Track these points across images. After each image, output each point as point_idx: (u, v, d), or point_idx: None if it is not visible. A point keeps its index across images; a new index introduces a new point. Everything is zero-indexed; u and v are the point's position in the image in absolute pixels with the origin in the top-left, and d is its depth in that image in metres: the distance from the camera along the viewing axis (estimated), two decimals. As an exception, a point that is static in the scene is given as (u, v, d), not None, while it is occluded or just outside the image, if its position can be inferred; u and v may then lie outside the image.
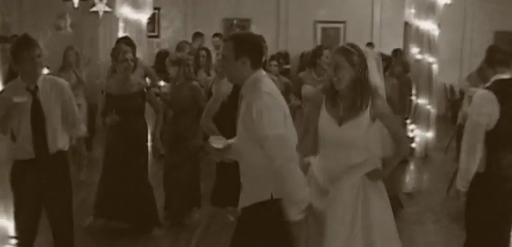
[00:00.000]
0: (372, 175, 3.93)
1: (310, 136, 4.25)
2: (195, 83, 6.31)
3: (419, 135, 10.23)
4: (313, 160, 4.07)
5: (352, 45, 3.92)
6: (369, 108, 3.83)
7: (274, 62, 7.89)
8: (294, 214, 3.45)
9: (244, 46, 3.53)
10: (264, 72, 3.62)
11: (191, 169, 6.36)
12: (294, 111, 6.36)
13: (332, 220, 3.82)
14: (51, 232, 4.71)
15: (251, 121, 3.39)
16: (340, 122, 3.88)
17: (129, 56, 5.98)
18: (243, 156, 3.59)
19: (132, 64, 6.07)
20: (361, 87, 3.82)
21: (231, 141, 3.71)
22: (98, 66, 13.24)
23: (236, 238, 3.71)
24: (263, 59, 3.77)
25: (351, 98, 3.85)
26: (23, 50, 4.33)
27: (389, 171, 4.04)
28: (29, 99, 4.35)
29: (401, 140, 4.04)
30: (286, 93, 7.43)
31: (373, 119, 3.86)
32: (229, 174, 4.31)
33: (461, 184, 4.46)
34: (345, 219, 3.82)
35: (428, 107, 10.22)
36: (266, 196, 3.51)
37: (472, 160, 4.36)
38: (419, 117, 10.23)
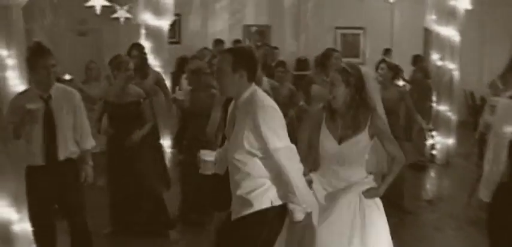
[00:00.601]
0: (368, 194, 4.01)
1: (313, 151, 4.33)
2: (214, 90, 6.35)
3: (441, 141, 10.17)
4: (315, 177, 4.12)
5: (351, 66, 4.03)
6: (367, 126, 3.95)
7: (281, 69, 8.05)
8: (301, 215, 3.59)
9: (243, 59, 3.58)
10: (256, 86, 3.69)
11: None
12: (301, 115, 6.41)
13: (330, 236, 3.90)
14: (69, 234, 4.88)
15: (259, 135, 3.45)
16: (340, 140, 3.99)
17: (131, 66, 6.06)
18: (239, 167, 3.60)
19: (133, 75, 6.12)
20: (358, 106, 3.94)
21: (217, 152, 3.86)
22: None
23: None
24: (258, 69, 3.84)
25: (349, 116, 3.97)
26: (37, 59, 4.46)
27: (385, 188, 4.09)
28: (41, 106, 4.46)
29: (397, 158, 4.10)
30: (290, 97, 7.51)
31: (371, 137, 3.99)
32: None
33: (484, 194, 4.43)
34: (342, 235, 3.91)
35: (449, 113, 10.16)
36: (266, 204, 3.58)
37: (495, 169, 4.34)
38: (440, 123, 10.16)
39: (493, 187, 4.37)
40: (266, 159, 3.53)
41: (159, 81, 7.97)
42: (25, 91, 4.69)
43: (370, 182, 4.09)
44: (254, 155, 3.53)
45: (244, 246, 3.67)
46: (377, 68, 7.32)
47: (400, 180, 6.97)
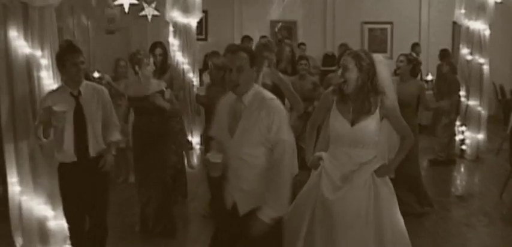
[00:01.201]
0: (379, 172, 4.17)
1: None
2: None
3: (470, 137, 10.06)
4: (325, 155, 4.28)
5: (364, 52, 4.18)
6: (378, 108, 4.11)
7: (304, 62, 8.14)
8: (267, 218, 3.65)
9: (255, 57, 3.85)
10: None
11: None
12: None
13: (346, 214, 4.05)
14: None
15: (270, 126, 3.67)
16: (352, 122, 4.13)
17: (151, 61, 6.15)
18: (249, 161, 3.75)
19: (152, 70, 6.18)
20: (369, 90, 4.08)
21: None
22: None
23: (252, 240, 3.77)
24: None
25: (360, 99, 4.10)
26: (67, 56, 4.56)
27: (395, 166, 4.29)
28: (70, 105, 4.55)
29: (406, 135, 4.28)
30: (313, 91, 7.51)
31: (381, 118, 4.16)
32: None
33: None
34: (358, 212, 4.06)
35: (479, 108, 10.04)
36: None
37: None
38: (470, 118, 10.05)
39: None
40: (270, 152, 3.72)
41: (174, 78, 8.06)
42: (56, 89, 4.79)
43: (379, 161, 4.22)
44: (265, 147, 3.71)
45: (266, 240, 3.73)
46: (397, 60, 7.27)
47: (416, 173, 6.96)
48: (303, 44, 12.87)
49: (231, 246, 4.00)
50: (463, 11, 9.82)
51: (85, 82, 4.74)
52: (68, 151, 4.62)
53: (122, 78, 8.30)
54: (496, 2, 9.81)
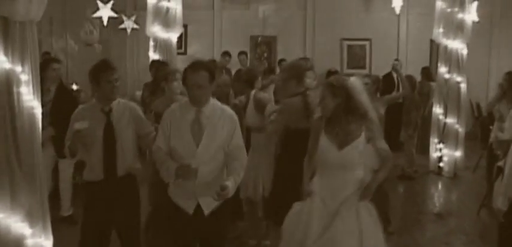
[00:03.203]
0: (361, 195, 4.30)
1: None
2: (235, 101, 6.51)
3: (448, 154, 10.16)
4: (314, 184, 4.44)
5: (338, 80, 4.40)
6: (363, 132, 4.27)
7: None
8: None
9: (212, 73, 4.18)
10: None
11: None
12: None
13: (342, 234, 4.17)
14: None
15: (232, 134, 4.21)
16: (340, 146, 4.28)
17: (179, 76, 6.12)
18: (213, 165, 4.17)
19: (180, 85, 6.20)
20: (349, 113, 4.26)
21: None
22: (126, 83, 13.40)
23: (218, 236, 4.34)
24: None
25: (344, 123, 4.27)
26: (102, 73, 4.55)
27: (375, 187, 4.37)
28: (100, 122, 4.54)
29: (386, 157, 4.41)
30: None
31: (367, 140, 4.32)
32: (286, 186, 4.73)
33: (503, 203, 4.56)
34: (353, 233, 4.19)
35: (457, 126, 10.15)
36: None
37: None
38: (448, 136, 10.16)
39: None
40: (226, 154, 4.23)
41: None
42: (87, 105, 4.77)
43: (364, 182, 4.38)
44: (224, 150, 4.21)
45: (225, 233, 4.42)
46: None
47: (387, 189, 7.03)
48: (284, 60, 12.86)
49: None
50: (441, 30, 9.94)
51: (117, 99, 4.69)
52: (96, 169, 4.57)
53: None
54: (473, 22, 9.96)
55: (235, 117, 4.30)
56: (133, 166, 4.76)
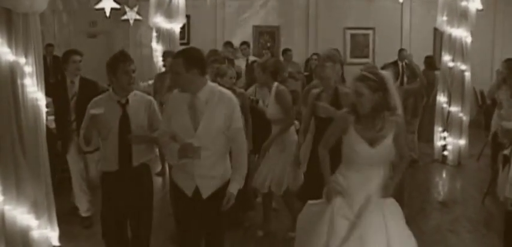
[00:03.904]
0: (384, 193, 4.20)
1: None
2: (240, 90, 6.54)
3: (452, 142, 10.15)
4: (341, 178, 4.29)
5: (373, 72, 4.15)
6: (393, 128, 4.13)
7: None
8: (236, 190, 4.22)
9: (190, 61, 4.11)
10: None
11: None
12: None
13: (370, 233, 4.06)
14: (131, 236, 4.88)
15: (231, 117, 4.20)
16: (372, 143, 4.12)
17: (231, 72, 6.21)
18: (213, 149, 4.18)
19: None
20: (383, 109, 4.09)
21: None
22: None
23: (217, 219, 4.34)
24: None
25: (376, 120, 4.11)
26: (120, 64, 4.55)
27: (395, 184, 4.29)
28: (116, 114, 4.55)
29: (405, 154, 4.35)
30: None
31: (395, 136, 4.18)
32: (318, 171, 4.53)
33: (511, 191, 4.55)
34: (381, 230, 4.09)
35: (461, 114, 10.12)
36: (228, 176, 4.29)
37: None
38: (452, 124, 10.13)
39: None
40: (226, 138, 4.25)
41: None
42: (102, 96, 4.76)
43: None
44: (224, 134, 4.21)
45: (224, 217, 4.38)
46: None
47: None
48: (288, 49, 12.81)
49: (196, 229, 4.39)
50: (445, 18, 9.89)
51: (134, 91, 4.71)
52: (111, 160, 4.60)
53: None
54: (477, 10, 9.91)
55: (234, 99, 4.30)
56: (148, 156, 4.80)
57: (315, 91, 5.64)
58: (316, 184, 4.76)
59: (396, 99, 4.17)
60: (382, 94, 4.04)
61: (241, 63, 11.02)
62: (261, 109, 6.37)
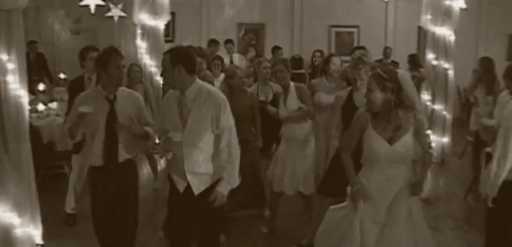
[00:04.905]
0: (412, 191, 4.26)
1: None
2: (250, 90, 6.71)
3: (436, 140, 10.21)
4: (364, 180, 4.29)
5: (387, 71, 4.17)
6: (412, 125, 4.13)
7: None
8: (227, 190, 4.30)
9: (176, 58, 4.19)
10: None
11: (254, 169, 6.59)
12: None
13: (400, 235, 4.15)
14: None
15: (218, 116, 4.22)
16: (391, 141, 4.13)
17: (205, 66, 6.18)
18: (201, 147, 4.27)
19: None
20: (397, 107, 4.09)
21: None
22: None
23: (209, 217, 4.37)
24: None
25: (392, 118, 4.12)
26: (111, 58, 4.59)
27: (423, 182, 4.37)
28: (104, 110, 4.58)
29: (427, 150, 4.35)
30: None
31: (414, 132, 4.16)
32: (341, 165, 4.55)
33: (492, 189, 4.58)
34: (409, 231, 4.19)
35: (444, 112, 10.19)
36: (219, 175, 4.32)
37: (502, 165, 4.47)
38: (435, 122, 10.20)
39: (499, 182, 4.53)
40: (216, 137, 4.29)
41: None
42: (90, 92, 4.83)
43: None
44: (213, 133, 4.26)
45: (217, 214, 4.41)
46: None
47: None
48: (278, 47, 12.77)
49: (186, 225, 4.48)
50: (429, 16, 9.95)
51: (121, 88, 4.75)
52: (97, 155, 4.65)
53: (136, 84, 8.07)
54: (461, 8, 9.98)
55: (222, 99, 4.32)
56: (134, 152, 4.87)
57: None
58: (338, 178, 4.80)
59: (413, 96, 4.20)
60: (395, 92, 4.06)
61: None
62: (271, 111, 6.44)
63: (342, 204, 4.45)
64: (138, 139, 4.82)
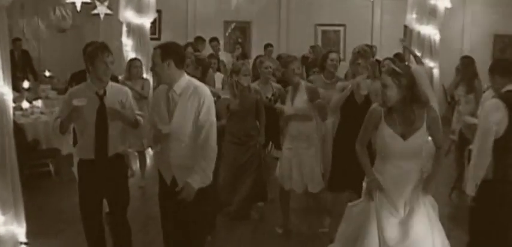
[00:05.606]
0: (425, 189, 4.28)
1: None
2: (256, 87, 6.79)
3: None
4: (377, 175, 4.31)
5: (401, 67, 4.19)
6: (425, 120, 4.11)
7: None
8: (197, 184, 4.30)
9: (166, 52, 4.28)
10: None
11: (258, 165, 6.68)
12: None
13: (423, 235, 4.16)
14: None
15: (199, 109, 4.28)
16: (404, 136, 4.12)
17: (214, 66, 6.23)
18: (185, 141, 4.33)
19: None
20: (412, 102, 4.08)
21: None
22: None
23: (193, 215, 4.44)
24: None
25: (406, 113, 4.12)
26: (98, 52, 4.62)
27: (435, 179, 4.40)
28: (94, 104, 4.60)
29: (441, 145, 4.40)
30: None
31: (428, 128, 4.16)
32: (345, 159, 4.63)
33: (471, 189, 4.61)
34: (428, 230, 4.21)
35: (429, 111, 10.24)
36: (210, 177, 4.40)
37: (481, 165, 4.50)
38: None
39: (478, 181, 4.56)
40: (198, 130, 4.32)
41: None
42: (81, 86, 4.82)
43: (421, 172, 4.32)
44: (196, 126, 4.30)
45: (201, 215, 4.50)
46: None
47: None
48: (270, 45, 12.72)
49: (171, 217, 4.55)
50: (414, 15, 10.02)
51: (110, 83, 4.78)
52: (87, 149, 4.68)
53: (136, 79, 8.02)
54: (446, 8, 10.05)
55: (206, 93, 4.39)
56: (123, 146, 4.95)
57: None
58: (344, 172, 4.89)
59: (429, 92, 4.18)
60: (410, 88, 4.05)
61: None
62: (278, 108, 6.48)
63: (358, 200, 4.49)
64: (127, 134, 4.92)
